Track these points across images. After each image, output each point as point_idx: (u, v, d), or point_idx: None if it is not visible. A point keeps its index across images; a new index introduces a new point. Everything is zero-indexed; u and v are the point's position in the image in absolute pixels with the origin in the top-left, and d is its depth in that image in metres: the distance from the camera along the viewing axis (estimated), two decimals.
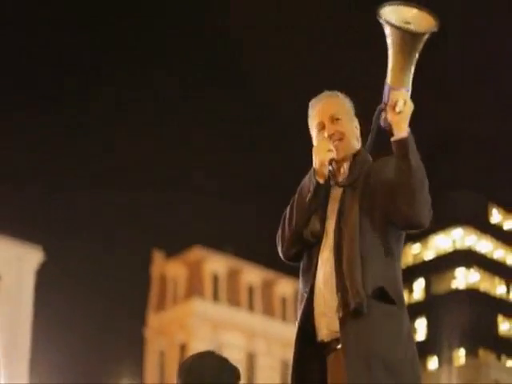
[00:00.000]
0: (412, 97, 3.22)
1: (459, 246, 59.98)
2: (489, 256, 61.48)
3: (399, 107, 3.14)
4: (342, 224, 3.23)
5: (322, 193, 3.34)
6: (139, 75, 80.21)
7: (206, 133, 77.76)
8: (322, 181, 3.32)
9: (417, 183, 3.12)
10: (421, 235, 60.55)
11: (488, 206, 62.72)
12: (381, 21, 3.13)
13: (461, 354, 57.04)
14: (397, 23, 3.11)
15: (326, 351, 3.21)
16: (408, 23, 3.13)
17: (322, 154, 3.31)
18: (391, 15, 3.14)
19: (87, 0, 78.63)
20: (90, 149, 77.17)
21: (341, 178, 3.37)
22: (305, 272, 3.34)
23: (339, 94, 3.53)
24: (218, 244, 42.96)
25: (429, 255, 61.35)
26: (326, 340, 3.21)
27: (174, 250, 43.00)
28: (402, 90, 3.19)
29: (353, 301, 3.05)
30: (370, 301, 3.07)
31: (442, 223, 58.72)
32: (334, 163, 3.35)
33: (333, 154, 3.31)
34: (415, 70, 3.24)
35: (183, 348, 38.50)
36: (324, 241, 3.29)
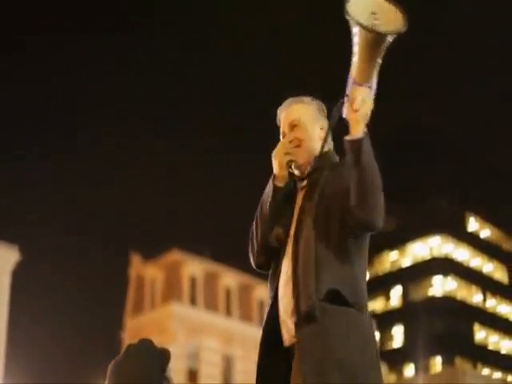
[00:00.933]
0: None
1: (436, 253, 60.18)
2: (466, 264, 61.73)
3: (357, 105, 3.04)
4: (300, 229, 3.22)
5: (280, 197, 3.35)
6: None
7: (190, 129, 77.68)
8: (281, 184, 3.35)
9: (368, 185, 3.05)
10: (398, 242, 60.70)
11: (465, 214, 63.00)
12: (347, 17, 3.02)
13: (437, 362, 57.21)
14: (362, 19, 2.99)
15: (290, 356, 3.19)
16: (374, 13, 3.02)
17: (280, 156, 3.33)
18: (358, 5, 3.03)
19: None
20: (71, 149, 76.84)
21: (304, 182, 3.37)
22: (270, 278, 3.36)
23: (304, 98, 3.49)
24: (196, 247, 42.91)
25: (406, 262, 61.49)
26: (288, 345, 3.21)
27: (151, 253, 42.92)
28: (365, 86, 3.08)
29: (304, 305, 3.04)
30: (324, 304, 3.04)
31: (419, 231, 58.90)
32: (293, 166, 3.35)
33: (290, 157, 3.33)
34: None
35: None
36: (287, 247, 3.28)
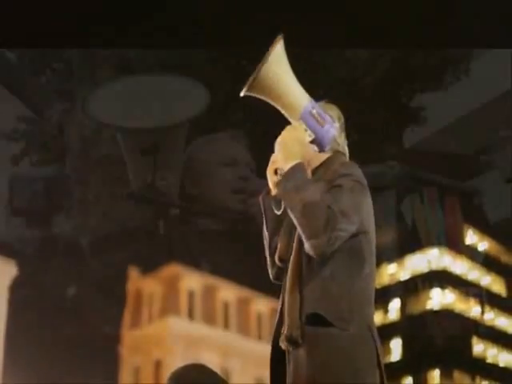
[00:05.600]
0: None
1: (435, 266, 60.06)
2: (464, 277, 61.60)
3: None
4: (295, 243, 3.09)
5: (270, 207, 3.19)
6: None
7: None
8: (270, 194, 3.18)
9: (298, 219, 2.96)
10: (397, 255, 60.57)
11: (463, 226, 62.91)
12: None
13: (436, 375, 56.99)
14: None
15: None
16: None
17: (268, 168, 3.17)
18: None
19: None
20: None
21: None
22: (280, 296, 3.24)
23: None
24: (194, 261, 42.83)
25: (404, 275, 61.34)
26: None
27: (149, 266, 42.84)
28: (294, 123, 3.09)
29: (287, 330, 2.97)
30: (306, 328, 2.94)
31: (418, 244, 58.81)
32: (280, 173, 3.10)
33: (276, 164, 3.11)
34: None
35: (158, 365, 38.18)
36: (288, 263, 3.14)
